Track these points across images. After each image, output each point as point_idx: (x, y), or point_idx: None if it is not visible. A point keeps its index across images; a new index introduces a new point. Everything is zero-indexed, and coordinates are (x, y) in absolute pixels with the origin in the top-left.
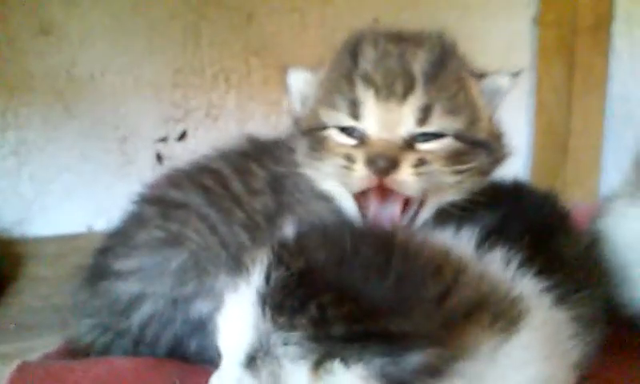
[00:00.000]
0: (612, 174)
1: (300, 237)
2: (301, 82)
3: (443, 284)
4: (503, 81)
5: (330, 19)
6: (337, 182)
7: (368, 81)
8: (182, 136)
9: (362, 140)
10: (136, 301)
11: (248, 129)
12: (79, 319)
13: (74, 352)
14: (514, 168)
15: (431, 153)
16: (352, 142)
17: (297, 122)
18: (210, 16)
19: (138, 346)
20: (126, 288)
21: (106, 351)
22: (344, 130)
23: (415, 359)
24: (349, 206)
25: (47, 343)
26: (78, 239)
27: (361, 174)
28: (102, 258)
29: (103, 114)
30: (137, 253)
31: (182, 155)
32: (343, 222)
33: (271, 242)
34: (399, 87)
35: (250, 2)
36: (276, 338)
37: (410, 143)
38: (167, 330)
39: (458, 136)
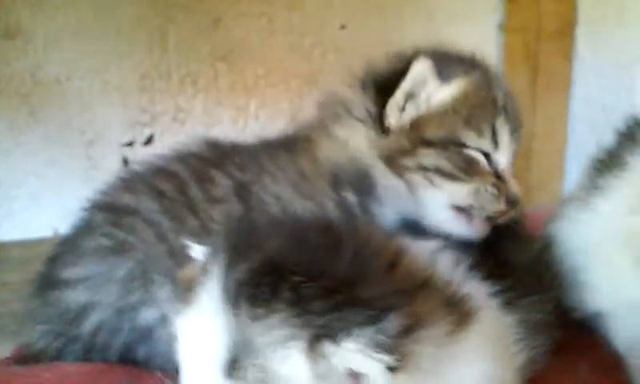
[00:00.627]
0: (575, 178)
1: (246, 233)
2: (422, 75)
3: (389, 258)
4: None
5: (297, 25)
6: (469, 201)
7: (507, 117)
8: (149, 140)
9: (498, 173)
10: (84, 310)
11: (215, 133)
12: (33, 325)
13: (27, 358)
14: None
15: None
16: (491, 170)
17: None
18: (176, 20)
19: (90, 352)
20: (75, 297)
21: (58, 357)
22: (485, 154)
23: (393, 321)
24: (446, 218)
25: (5, 350)
26: (43, 244)
27: (501, 208)
28: (52, 266)
29: (69, 119)
30: (84, 261)
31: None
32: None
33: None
34: (519, 127)
35: (217, 7)
36: (257, 329)
37: None
38: (116, 338)
39: None
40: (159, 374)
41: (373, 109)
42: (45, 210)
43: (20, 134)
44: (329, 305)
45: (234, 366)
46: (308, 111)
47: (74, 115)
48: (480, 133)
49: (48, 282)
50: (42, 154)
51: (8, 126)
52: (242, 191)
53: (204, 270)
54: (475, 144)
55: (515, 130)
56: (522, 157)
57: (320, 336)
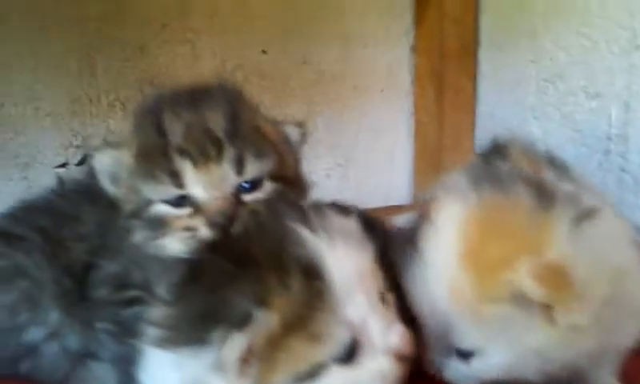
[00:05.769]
0: None
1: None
2: (108, 163)
3: None
4: (293, 132)
5: (220, 51)
6: (184, 247)
7: (183, 153)
8: (82, 161)
9: (196, 206)
10: None
11: None
12: None
13: None
14: (399, 181)
15: (257, 201)
16: (186, 211)
17: (116, 202)
18: (103, 49)
19: None
20: None
21: None
22: (173, 202)
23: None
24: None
25: None
26: None
27: (207, 235)
28: None
29: (4, 143)
30: None
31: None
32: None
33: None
34: (212, 151)
35: (142, 35)
36: None
37: (237, 197)
38: (2, 354)
39: (272, 176)
40: None
41: None
42: None
43: None
44: None
45: None
46: None
47: (9, 140)
48: (158, 182)
49: None
50: None
51: None
52: (105, 226)
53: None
54: (158, 195)
55: (203, 154)
56: (434, 168)
57: None
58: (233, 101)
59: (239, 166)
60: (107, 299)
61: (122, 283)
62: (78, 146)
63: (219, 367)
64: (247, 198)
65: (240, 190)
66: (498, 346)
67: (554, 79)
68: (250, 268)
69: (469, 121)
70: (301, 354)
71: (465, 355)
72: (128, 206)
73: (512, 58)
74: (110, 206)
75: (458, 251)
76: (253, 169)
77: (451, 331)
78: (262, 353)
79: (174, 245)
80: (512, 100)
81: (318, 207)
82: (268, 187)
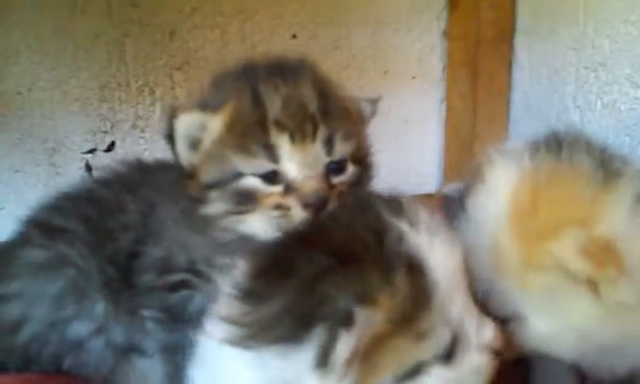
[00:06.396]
0: None
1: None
2: (192, 125)
3: None
4: (367, 108)
5: (249, 35)
6: (271, 228)
7: (281, 127)
8: (110, 147)
9: (288, 184)
10: (18, 323)
11: None
12: None
13: None
14: (430, 169)
15: (343, 183)
16: (278, 188)
17: (190, 169)
18: (133, 33)
19: (28, 363)
20: (9, 311)
21: (2, 368)
22: (265, 176)
23: None
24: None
25: None
26: None
27: (298, 217)
28: None
29: (32, 128)
30: (17, 278)
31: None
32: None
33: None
34: (308, 128)
35: (173, 20)
36: None
37: (328, 178)
38: (46, 349)
39: (353, 158)
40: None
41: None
42: (9, 217)
43: None
44: None
45: None
46: None
47: (36, 124)
48: (251, 155)
49: None
50: (5, 161)
51: None
52: (148, 211)
53: None
54: (250, 169)
55: (301, 131)
56: (465, 154)
57: None
58: (320, 77)
59: (329, 145)
60: (152, 285)
61: (166, 267)
62: (105, 132)
63: (320, 367)
64: (335, 180)
65: (329, 170)
66: (539, 316)
67: (596, 67)
68: (349, 262)
69: (502, 109)
70: (404, 353)
71: (503, 321)
72: (207, 176)
73: (550, 45)
74: (154, 190)
75: (507, 214)
76: (341, 149)
77: (493, 295)
78: (365, 352)
79: (260, 223)
80: (549, 88)
81: (399, 198)
82: (351, 170)
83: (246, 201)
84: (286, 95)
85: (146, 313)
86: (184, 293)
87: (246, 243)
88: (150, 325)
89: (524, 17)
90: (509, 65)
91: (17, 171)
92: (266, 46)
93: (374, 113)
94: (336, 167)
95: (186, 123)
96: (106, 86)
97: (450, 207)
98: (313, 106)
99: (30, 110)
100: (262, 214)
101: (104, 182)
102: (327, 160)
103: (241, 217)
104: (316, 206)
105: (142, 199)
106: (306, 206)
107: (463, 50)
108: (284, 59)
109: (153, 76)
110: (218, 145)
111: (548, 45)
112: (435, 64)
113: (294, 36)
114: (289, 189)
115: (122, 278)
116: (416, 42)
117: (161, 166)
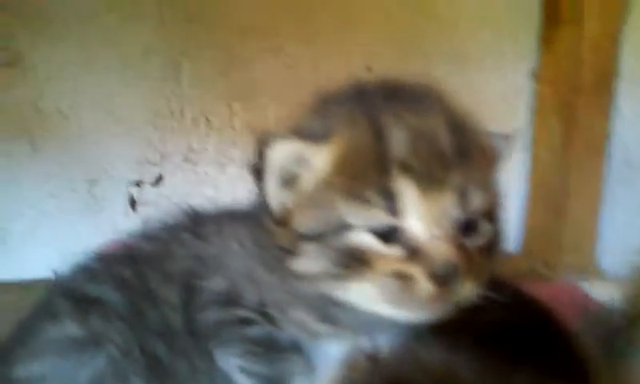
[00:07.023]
0: (610, 240)
1: None
2: (289, 157)
3: None
4: (502, 145)
5: (323, 65)
6: (384, 300)
7: (407, 169)
8: (158, 180)
9: (411, 246)
10: None
11: (228, 173)
12: None
13: None
14: (507, 229)
15: (476, 248)
16: (397, 251)
17: (281, 213)
18: (190, 53)
19: None
20: None
21: None
22: (381, 233)
23: None
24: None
25: None
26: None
27: (426, 293)
28: (3, 359)
29: (69, 151)
30: (43, 356)
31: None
32: None
33: None
34: (439, 171)
35: (235, 43)
36: None
37: (459, 241)
38: None
39: (487, 215)
40: None
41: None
42: (42, 250)
43: (19, 166)
44: None
45: None
46: None
47: (75, 149)
48: (366, 203)
49: None
50: (42, 188)
51: (6, 156)
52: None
53: None
54: (363, 222)
55: (431, 176)
56: (553, 215)
57: None
58: (451, 107)
59: (463, 196)
60: (219, 319)
61: (231, 300)
62: (154, 164)
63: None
64: (468, 243)
65: (460, 230)
66: None
67: None
68: None
69: (598, 165)
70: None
71: None
72: (303, 225)
73: None
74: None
75: None
76: (475, 201)
77: None
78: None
79: (369, 293)
80: None
81: None
82: (485, 229)
83: (354, 263)
84: (414, 128)
85: (225, 362)
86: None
87: (339, 309)
88: (235, 371)
89: (629, 58)
90: (608, 114)
91: (53, 198)
92: (340, 77)
93: (508, 152)
94: (467, 225)
95: (282, 153)
96: (157, 111)
97: None
98: (446, 143)
99: (67, 132)
100: (373, 282)
101: (147, 235)
102: (458, 215)
103: (344, 282)
104: (446, 278)
105: (188, 247)
106: (434, 277)
107: (554, 94)
108: (404, 83)
109: (210, 104)
110: (322, 185)
111: None
112: (521, 108)
113: (369, 68)
114: (412, 252)
115: (177, 351)
116: (499, 81)
117: (230, 215)
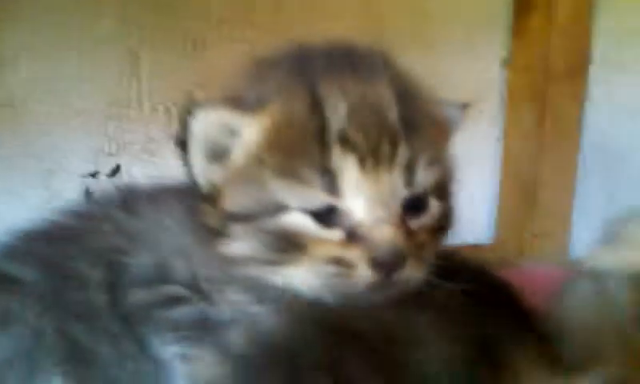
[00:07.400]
0: (583, 228)
1: None
2: (216, 127)
3: None
4: (457, 115)
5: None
6: (322, 287)
7: (348, 144)
8: (115, 171)
9: (352, 230)
10: None
11: None
12: None
13: None
14: (481, 217)
15: (423, 229)
16: (337, 234)
17: (209, 190)
18: (148, 42)
19: None
20: None
21: None
22: (319, 215)
23: None
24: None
25: None
26: None
27: (365, 279)
28: None
29: (25, 145)
30: None
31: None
32: None
33: None
34: (384, 146)
35: (197, 31)
36: None
37: (405, 222)
38: None
39: (437, 192)
40: None
41: None
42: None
43: None
44: None
45: None
46: None
47: (31, 142)
48: (302, 181)
49: None
50: None
51: None
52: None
53: None
54: (298, 202)
55: (376, 152)
56: (526, 204)
57: None
58: (401, 74)
59: (411, 173)
60: (146, 301)
61: (159, 276)
62: (110, 154)
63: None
64: (414, 224)
65: (407, 209)
66: None
67: None
68: None
69: (571, 153)
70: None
71: None
72: (233, 203)
73: (634, 79)
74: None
75: None
76: (424, 178)
77: None
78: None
79: (306, 279)
80: (631, 128)
81: None
82: (434, 209)
83: (288, 247)
84: (355, 99)
85: (161, 346)
86: (179, 310)
87: (271, 290)
88: (173, 359)
89: (603, 45)
90: (581, 101)
91: (8, 194)
92: None
93: (462, 123)
94: (414, 204)
95: (207, 123)
96: (114, 101)
97: None
98: (392, 115)
99: (23, 126)
100: (309, 268)
101: (75, 212)
102: (404, 194)
103: (278, 267)
104: (390, 264)
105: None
106: (376, 264)
107: (526, 81)
108: (353, 48)
109: (170, 93)
110: (253, 160)
111: (630, 78)
112: (493, 96)
113: None
114: (353, 236)
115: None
116: (470, 68)
117: (165, 191)
